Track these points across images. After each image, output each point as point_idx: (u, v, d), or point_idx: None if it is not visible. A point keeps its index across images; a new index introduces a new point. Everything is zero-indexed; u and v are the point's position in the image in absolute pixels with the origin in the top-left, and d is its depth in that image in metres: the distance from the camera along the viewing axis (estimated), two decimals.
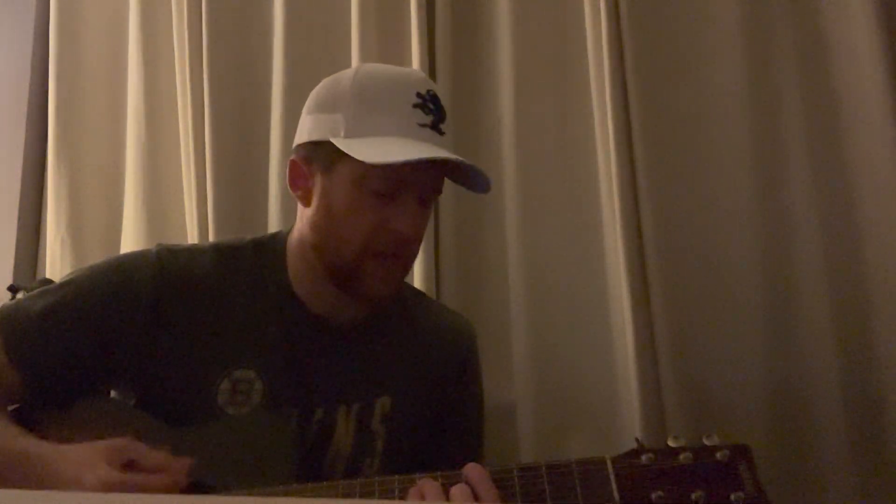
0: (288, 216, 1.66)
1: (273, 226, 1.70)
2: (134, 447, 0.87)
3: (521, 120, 1.59)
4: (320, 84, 1.07)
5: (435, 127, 0.99)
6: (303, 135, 1.04)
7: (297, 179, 1.05)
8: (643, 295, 1.44)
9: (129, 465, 0.85)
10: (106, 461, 0.84)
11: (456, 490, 0.78)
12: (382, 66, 1.08)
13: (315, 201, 1.02)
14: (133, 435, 0.90)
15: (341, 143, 0.96)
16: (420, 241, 1.05)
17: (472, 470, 0.80)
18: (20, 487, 0.85)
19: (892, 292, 1.35)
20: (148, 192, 1.86)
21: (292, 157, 1.05)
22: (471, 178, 1.03)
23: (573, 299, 1.55)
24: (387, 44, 1.70)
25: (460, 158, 0.97)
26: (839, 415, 1.36)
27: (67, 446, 0.88)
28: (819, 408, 1.38)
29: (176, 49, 1.85)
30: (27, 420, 1.01)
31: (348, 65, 1.69)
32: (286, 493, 0.88)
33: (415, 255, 1.07)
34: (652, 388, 1.40)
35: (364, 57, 1.67)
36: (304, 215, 1.06)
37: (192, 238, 1.78)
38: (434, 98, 1.00)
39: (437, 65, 1.65)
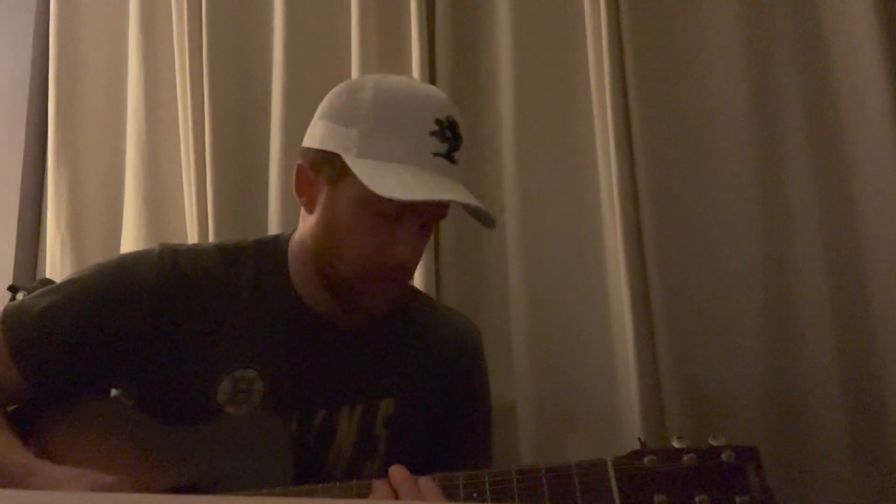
0: (288, 216, 1.66)
1: (273, 226, 1.70)
2: (111, 488, 0.87)
3: (521, 120, 1.59)
4: (339, 88, 1.04)
5: (448, 155, 0.96)
6: (314, 140, 1.02)
7: (304, 185, 1.03)
8: (643, 295, 1.44)
9: None
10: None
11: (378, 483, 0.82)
12: (405, 83, 1.03)
13: (318, 211, 1.01)
14: (132, 435, 0.90)
15: (352, 163, 0.94)
16: (418, 262, 1.04)
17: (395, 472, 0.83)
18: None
19: (892, 292, 1.35)
20: (148, 192, 1.85)
21: (300, 160, 1.03)
22: (477, 210, 1.01)
23: (573, 300, 1.55)
24: (387, 44, 1.70)
25: (468, 201, 0.95)
26: (839, 414, 1.36)
27: (53, 469, 0.88)
28: (819, 408, 1.38)
29: (176, 49, 1.85)
30: (27, 420, 1.01)
31: (348, 66, 1.69)
32: (283, 495, 0.88)
33: (412, 273, 1.06)
34: (652, 388, 1.40)
35: (364, 57, 1.66)
36: (306, 221, 1.05)
37: (192, 238, 1.78)
38: (452, 125, 0.98)
39: (437, 65, 1.64)
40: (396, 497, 0.81)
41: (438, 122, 0.96)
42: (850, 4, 1.42)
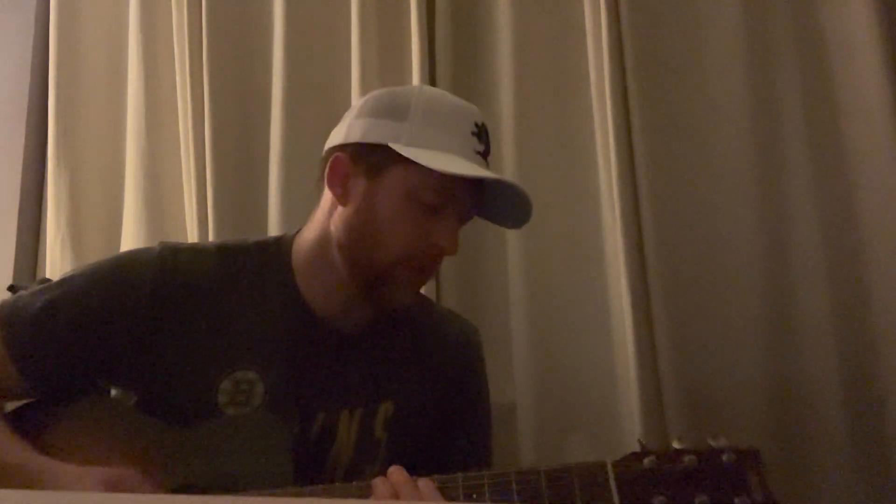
0: (288, 216, 1.66)
1: (273, 225, 1.70)
2: (130, 481, 0.87)
3: (521, 120, 1.59)
4: (378, 92, 1.09)
5: (485, 156, 1.04)
6: (353, 135, 1.04)
7: (339, 177, 1.04)
8: (643, 295, 1.44)
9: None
10: (99, 488, 0.84)
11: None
12: (443, 92, 1.13)
13: (355, 202, 1.02)
14: (132, 436, 0.90)
15: (404, 150, 0.98)
16: (447, 256, 1.07)
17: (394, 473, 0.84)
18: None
19: (893, 292, 1.35)
20: (148, 192, 1.85)
21: (337, 153, 1.04)
22: (501, 214, 1.09)
23: (573, 299, 1.55)
24: (387, 44, 1.70)
25: (516, 184, 1.02)
26: (839, 415, 1.36)
27: (65, 467, 0.88)
28: (819, 408, 1.38)
29: (176, 49, 1.85)
30: (28, 420, 1.01)
31: (348, 66, 1.69)
32: (282, 496, 0.88)
33: (438, 266, 1.08)
34: (652, 388, 1.40)
35: (364, 57, 1.66)
36: (335, 214, 1.05)
37: (192, 238, 1.78)
38: (486, 131, 1.06)
39: (437, 65, 1.64)
40: (396, 498, 0.81)
41: (477, 125, 1.04)
42: (850, 4, 1.42)
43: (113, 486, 0.85)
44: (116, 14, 2.00)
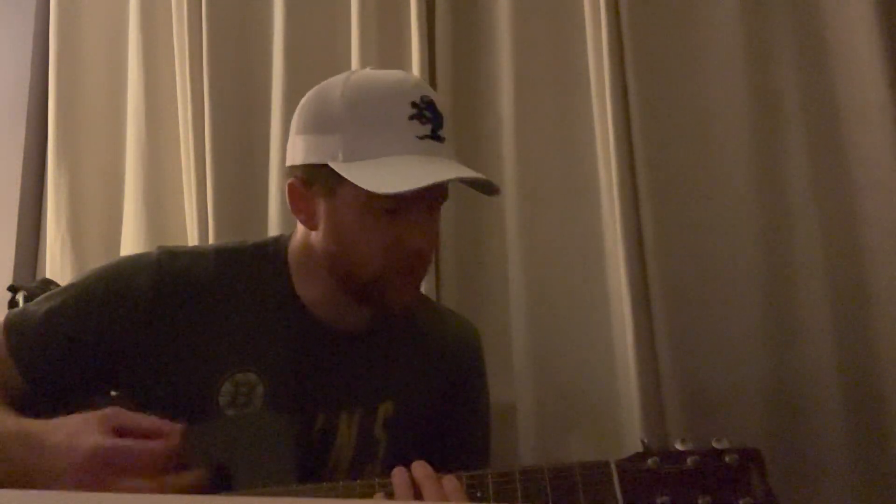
0: (288, 217, 1.65)
1: (273, 226, 1.70)
2: (123, 414, 0.87)
3: (521, 120, 1.58)
4: (307, 99, 1.04)
5: (434, 135, 0.96)
6: (297, 156, 1.01)
7: (298, 203, 1.02)
8: (643, 295, 1.44)
9: (122, 433, 0.85)
10: (98, 429, 0.84)
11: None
12: (373, 76, 1.02)
13: (322, 226, 1.01)
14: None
15: (342, 169, 0.94)
16: (434, 249, 1.05)
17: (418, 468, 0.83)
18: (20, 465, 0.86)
19: (892, 291, 1.35)
20: (148, 192, 1.86)
21: (290, 179, 1.02)
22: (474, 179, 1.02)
23: (573, 299, 1.55)
24: (387, 44, 1.70)
25: (464, 175, 0.96)
26: (839, 414, 1.36)
27: (58, 420, 0.88)
28: (819, 407, 1.38)
29: (176, 49, 1.85)
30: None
31: (348, 66, 1.69)
32: (286, 494, 0.88)
33: (431, 260, 1.06)
34: (652, 388, 1.40)
35: (364, 57, 1.66)
36: (310, 237, 1.04)
37: (192, 239, 1.78)
38: (430, 105, 0.97)
39: (437, 65, 1.64)
40: (417, 492, 0.80)
41: (414, 104, 0.96)
42: (850, 4, 1.42)
43: (108, 422, 0.86)
44: (116, 14, 2.00)
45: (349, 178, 0.92)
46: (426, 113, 0.96)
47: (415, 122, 0.95)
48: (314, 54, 1.75)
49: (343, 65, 1.71)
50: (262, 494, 0.88)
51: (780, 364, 1.42)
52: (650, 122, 1.49)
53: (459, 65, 1.65)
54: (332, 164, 0.95)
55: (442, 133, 0.97)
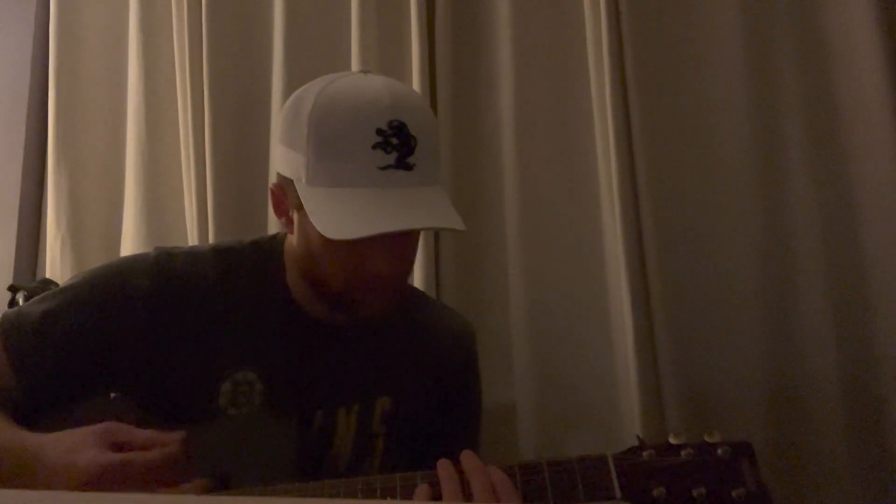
0: None
1: (273, 226, 1.70)
2: (121, 428, 0.86)
3: (521, 120, 1.59)
4: (286, 106, 1.01)
5: (400, 164, 0.90)
6: (276, 163, 1.02)
7: (279, 207, 1.03)
8: (643, 295, 1.44)
9: (121, 447, 0.84)
10: (95, 445, 0.83)
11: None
12: (344, 93, 0.95)
13: (296, 234, 1.01)
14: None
15: (303, 194, 0.92)
16: (408, 267, 1.02)
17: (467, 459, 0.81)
18: (16, 480, 0.85)
19: (892, 292, 1.36)
20: (148, 192, 1.86)
21: (273, 185, 1.03)
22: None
23: (573, 299, 1.55)
24: (387, 44, 1.70)
25: (417, 225, 0.91)
26: (839, 414, 1.36)
27: (55, 435, 0.87)
28: (819, 407, 1.38)
29: (176, 49, 1.86)
30: (27, 421, 1.00)
31: (348, 66, 1.69)
32: (287, 493, 0.87)
33: (405, 276, 1.04)
34: (652, 387, 1.40)
35: (364, 57, 1.66)
36: (290, 240, 1.05)
37: (192, 239, 1.78)
38: (398, 130, 0.91)
39: (437, 65, 1.65)
40: (465, 483, 0.79)
41: (380, 131, 0.90)
42: (850, 4, 1.42)
43: (107, 437, 0.84)
44: (116, 14, 2.00)
45: (306, 208, 0.90)
46: (392, 140, 0.90)
47: (378, 151, 0.90)
48: (314, 54, 1.75)
49: (343, 65, 1.71)
50: (263, 494, 0.88)
51: (780, 364, 1.42)
52: (650, 123, 1.49)
53: (459, 65, 1.65)
54: (296, 185, 0.94)
55: (411, 160, 0.91)
